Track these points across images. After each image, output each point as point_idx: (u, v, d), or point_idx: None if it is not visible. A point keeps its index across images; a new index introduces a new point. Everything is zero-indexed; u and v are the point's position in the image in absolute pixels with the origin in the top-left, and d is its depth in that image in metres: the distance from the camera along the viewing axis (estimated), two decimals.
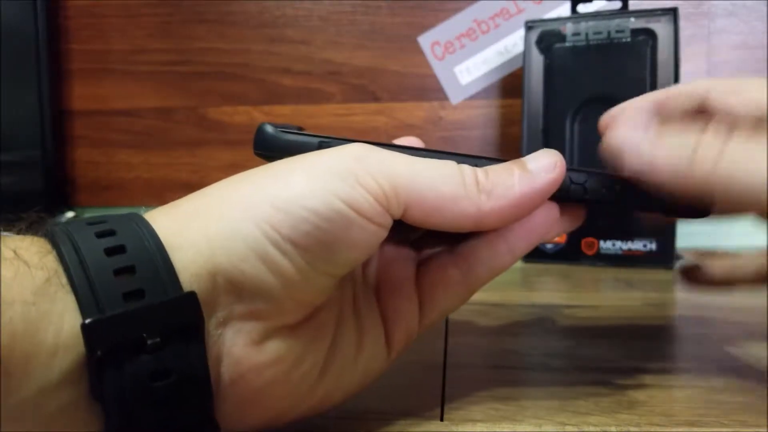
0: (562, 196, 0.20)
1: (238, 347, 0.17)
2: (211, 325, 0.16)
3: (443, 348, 0.28)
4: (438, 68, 0.60)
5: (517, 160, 0.19)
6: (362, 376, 0.20)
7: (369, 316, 0.21)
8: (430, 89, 0.61)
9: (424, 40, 0.60)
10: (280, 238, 0.16)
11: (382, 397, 0.22)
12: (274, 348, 0.17)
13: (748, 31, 0.55)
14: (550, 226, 0.20)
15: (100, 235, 0.16)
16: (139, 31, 0.64)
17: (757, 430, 0.19)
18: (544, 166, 0.19)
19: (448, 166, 0.18)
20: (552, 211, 0.20)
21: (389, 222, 0.18)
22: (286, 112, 0.62)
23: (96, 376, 0.14)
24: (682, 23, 0.48)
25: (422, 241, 0.23)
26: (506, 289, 0.40)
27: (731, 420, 0.20)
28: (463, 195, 0.18)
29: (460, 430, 0.20)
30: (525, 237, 0.20)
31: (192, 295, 0.15)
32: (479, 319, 0.33)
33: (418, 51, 0.60)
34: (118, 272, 0.15)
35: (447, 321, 0.32)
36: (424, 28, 0.60)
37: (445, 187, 0.18)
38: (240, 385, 0.17)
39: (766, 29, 0.54)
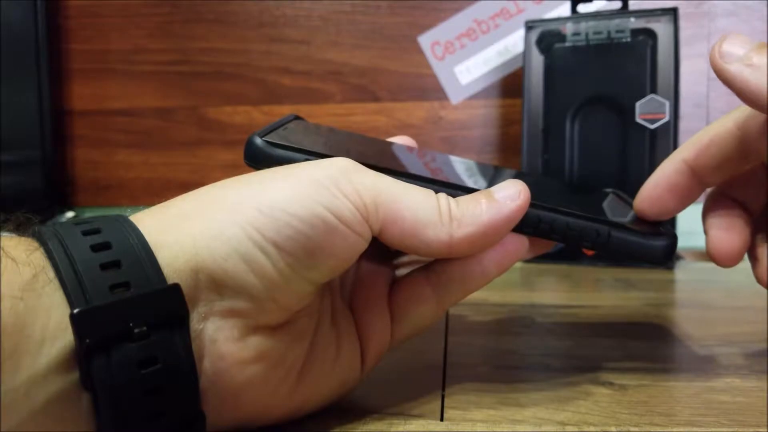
0: (530, 232, 0.21)
1: (220, 343, 0.17)
2: (192, 319, 0.17)
3: (443, 348, 0.28)
4: (438, 68, 0.60)
5: (484, 191, 0.20)
6: (338, 386, 0.21)
7: (346, 329, 0.21)
8: (430, 89, 0.61)
9: (424, 40, 0.60)
10: (264, 240, 0.17)
11: (382, 396, 0.22)
12: (255, 345, 0.18)
13: (749, 32, 0.55)
14: (522, 253, 0.21)
15: (86, 233, 0.16)
16: (139, 30, 0.64)
17: (756, 430, 0.19)
18: (509, 195, 0.20)
19: (427, 193, 0.19)
20: (523, 239, 0.21)
21: (369, 234, 0.19)
22: (285, 112, 0.62)
23: (85, 364, 0.15)
24: (682, 23, 0.48)
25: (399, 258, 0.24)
26: (506, 289, 0.40)
27: (731, 420, 0.20)
28: (437, 222, 0.19)
29: (460, 430, 0.20)
30: (498, 261, 0.21)
31: (176, 287, 0.16)
32: (479, 319, 0.33)
33: (418, 51, 0.60)
34: (104, 267, 0.16)
35: (447, 321, 0.32)
36: (424, 27, 0.60)
37: (422, 212, 0.19)
38: (223, 381, 0.17)
39: (766, 29, 0.54)
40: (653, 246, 0.22)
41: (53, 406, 0.15)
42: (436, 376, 0.24)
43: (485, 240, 0.20)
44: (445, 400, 0.22)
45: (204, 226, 0.17)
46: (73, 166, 0.66)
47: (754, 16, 0.55)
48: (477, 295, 0.37)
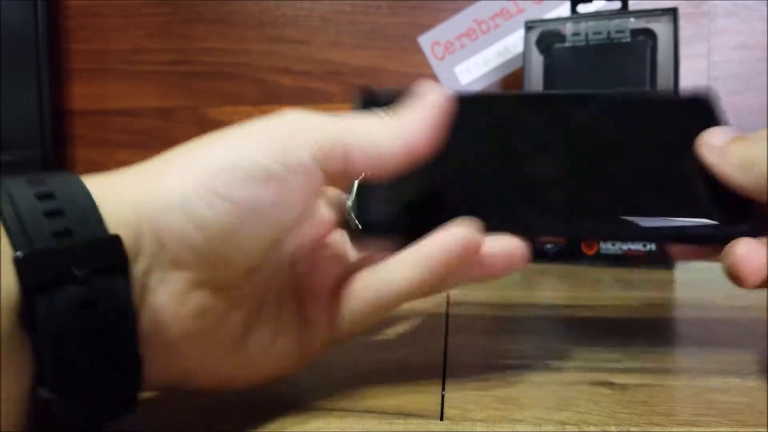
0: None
1: (161, 295, 0.18)
2: (136, 269, 0.17)
3: (443, 347, 0.28)
4: (438, 68, 0.60)
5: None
6: (273, 367, 0.21)
7: (288, 313, 0.22)
8: None
9: (425, 40, 0.60)
10: (209, 193, 0.18)
11: (381, 396, 0.22)
12: (196, 302, 0.18)
13: (749, 31, 0.55)
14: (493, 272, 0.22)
15: (32, 184, 0.17)
16: (139, 31, 0.64)
17: (756, 430, 0.19)
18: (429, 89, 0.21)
19: (370, 115, 0.21)
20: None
21: (320, 180, 0.20)
22: None
23: (27, 305, 0.15)
24: (682, 23, 0.48)
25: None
26: (506, 289, 0.40)
27: (731, 420, 0.20)
28: (388, 131, 0.20)
29: (459, 429, 0.20)
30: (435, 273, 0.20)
31: (117, 237, 0.17)
32: (479, 319, 0.33)
33: (419, 51, 0.60)
34: (48, 215, 0.16)
35: (447, 321, 0.32)
36: (425, 28, 0.60)
37: (374, 132, 0.20)
38: (160, 332, 0.18)
39: (766, 29, 0.54)
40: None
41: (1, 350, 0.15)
42: (436, 376, 0.24)
43: (437, 121, 0.21)
44: (445, 399, 0.22)
45: (150, 182, 0.18)
46: (73, 166, 0.66)
47: (754, 16, 0.55)
48: (477, 295, 0.37)
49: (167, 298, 0.18)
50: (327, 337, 0.22)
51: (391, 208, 0.23)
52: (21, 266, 0.15)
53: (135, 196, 0.18)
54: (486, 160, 0.24)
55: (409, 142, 0.20)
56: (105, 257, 0.16)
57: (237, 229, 0.18)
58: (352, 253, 0.24)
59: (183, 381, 0.20)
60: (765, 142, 0.21)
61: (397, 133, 0.20)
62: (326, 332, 0.22)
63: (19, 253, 0.15)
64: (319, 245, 0.23)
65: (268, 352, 0.21)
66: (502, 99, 0.26)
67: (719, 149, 0.22)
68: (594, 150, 0.24)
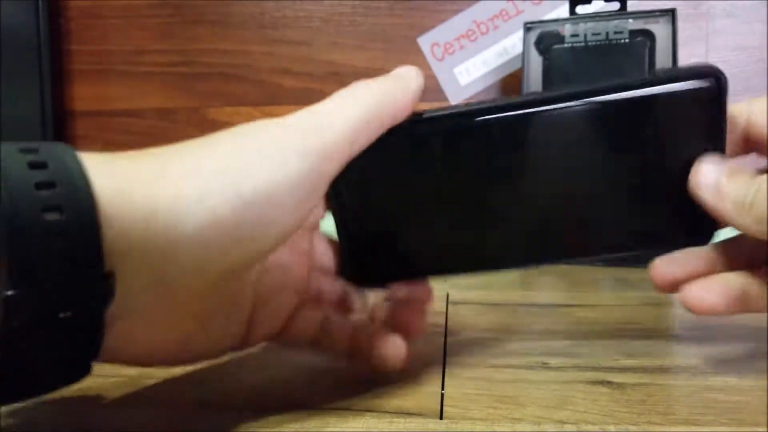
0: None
1: (134, 292, 0.17)
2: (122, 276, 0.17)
3: (443, 347, 0.28)
4: (437, 69, 0.61)
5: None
6: (215, 351, 0.22)
7: (236, 322, 0.22)
8: (429, 90, 0.61)
9: (424, 41, 0.60)
10: (229, 191, 0.19)
11: (381, 395, 0.22)
12: (170, 303, 0.19)
13: (747, 32, 0.55)
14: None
15: (32, 165, 0.17)
16: (141, 32, 0.64)
17: (755, 429, 0.19)
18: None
19: (378, 81, 0.23)
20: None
21: (319, 194, 0.21)
22: (287, 113, 0.63)
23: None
24: (680, 24, 0.49)
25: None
26: (506, 289, 0.40)
27: (729, 419, 0.20)
28: (397, 87, 0.23)
29: (459, 428, 0.20)
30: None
31: (111, 274, 0.16)
32: (479, 319, 0.33)
33: (418, 52, 0.61)
34: (43, 188, 0.16)
35: (447, 320, 0.32)
36: (424, 29, 0.60)
37: (392, 91, 0.23)
38: (123, 321, 0.18)
39: (764, 30, 0.55)
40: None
41: None
42: (436, 375, 0.24)
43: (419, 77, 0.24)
44: (445, 398, 0.22)
45: (160, 194, 0.18)
46: None
47: (753, 17, 0.55)
48: (476, 295, 0.38)
49: (142, 296, 0.18)
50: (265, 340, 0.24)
51: (377, 263, 0.25)
52: (9, 304, 0.15)
53: (140, 210, 0.17)
54: (451, 196, 0.24)
55: (415, 89, 0.23)
56: (97, 294, 0.16)
57: (250, 229, 0.19)
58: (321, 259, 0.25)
59: (150, 351, 0.20)
60: (764, 181, 0.20)
61: (402, 86, 0.23)
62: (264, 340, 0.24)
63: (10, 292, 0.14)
64: (293, 256, 0.24)
65: (210, 345, 0.22)
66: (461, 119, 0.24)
67: (714, 189, 0.21)
68: (568, 169, 0.23)
